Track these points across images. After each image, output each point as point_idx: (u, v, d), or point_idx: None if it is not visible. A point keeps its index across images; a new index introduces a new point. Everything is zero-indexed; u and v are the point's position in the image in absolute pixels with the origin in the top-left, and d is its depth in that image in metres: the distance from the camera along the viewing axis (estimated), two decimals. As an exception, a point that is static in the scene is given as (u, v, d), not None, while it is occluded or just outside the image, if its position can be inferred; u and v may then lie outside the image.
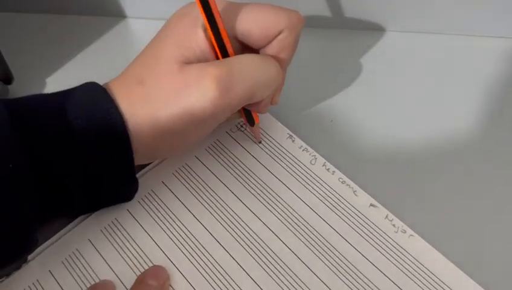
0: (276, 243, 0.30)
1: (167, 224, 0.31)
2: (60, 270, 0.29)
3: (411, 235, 0.29)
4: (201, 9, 0.26)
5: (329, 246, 0.29)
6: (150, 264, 0.29)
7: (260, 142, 0.34)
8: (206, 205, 0.31)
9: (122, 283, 0.29)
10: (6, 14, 0.44)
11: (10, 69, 0.37)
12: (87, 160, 0.27)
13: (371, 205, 0.31)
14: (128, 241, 0.30)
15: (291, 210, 0.31)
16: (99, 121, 0.27)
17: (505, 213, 0.31)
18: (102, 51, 0.41)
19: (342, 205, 0.31)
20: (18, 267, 0.29)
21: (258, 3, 0.29)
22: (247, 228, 0.30)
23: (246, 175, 0.32)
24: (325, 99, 0.37)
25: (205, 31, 0.27)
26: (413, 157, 0.33)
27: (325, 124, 0.35)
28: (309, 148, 0.33)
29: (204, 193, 0.32)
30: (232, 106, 0.28)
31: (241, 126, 0.35)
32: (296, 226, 0.30)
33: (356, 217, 0.30)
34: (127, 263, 0.30)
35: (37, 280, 0.29)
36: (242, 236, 0.30)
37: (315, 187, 0.32)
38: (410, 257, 0.29)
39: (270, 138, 0.34)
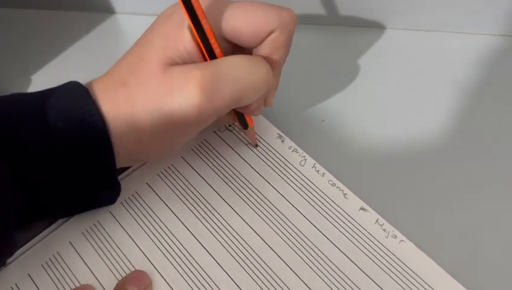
0: (262, 246, 0.29)
1: (150, 227, 0.30)
2: (39, 274, 0.29)
3: (402, 240, 0.28)
4: (184, 8, 0.25)
5: (316, 250, 0.28)
6: (132, 268, 0.29)
7: (257, 146, 0.32)
8: (191, 207, 0.30)
9: (102, 287, 0.28)
10: (-9, 9, 0.43)
11: (-6, 66, 0.36)
12: (68, 163, 0.27)
13: (361, 208, 0.30)
14: (110, 245, 0.29)
15: (278, 213, 0.30)
16: (80, 123, 0.26)
17: (497, 219, 0.30)
18: (90, 47, 0.40)
19: (332, 209, 0.30)
20: (-4, 271, 0.29)
21: (247, 1, 0.27)
22: (232, 231, 0.29)
23: (233, 176, 0.31)
24: (317, 98, 0.36)
25: (191, 32, 0.26)
26: (406, 159, 0.32)
27: (317, 124, 0.34)
28: (299, 148, 0.32)
29: (189, 195, 0.31)
30: (217, 110, 0.26)
31: (229, 126, 0.34)
32: (283, 230, 0.29)
33: (346, 221, 0.29)
34: (108, 266, 0.29)
35: (16, 284, 0.28)
36: (226, 239, 0.29)
37: (304, 190, 0.31)
38: (400, 263, 0.28)
39: (259, 138, 0.33)
